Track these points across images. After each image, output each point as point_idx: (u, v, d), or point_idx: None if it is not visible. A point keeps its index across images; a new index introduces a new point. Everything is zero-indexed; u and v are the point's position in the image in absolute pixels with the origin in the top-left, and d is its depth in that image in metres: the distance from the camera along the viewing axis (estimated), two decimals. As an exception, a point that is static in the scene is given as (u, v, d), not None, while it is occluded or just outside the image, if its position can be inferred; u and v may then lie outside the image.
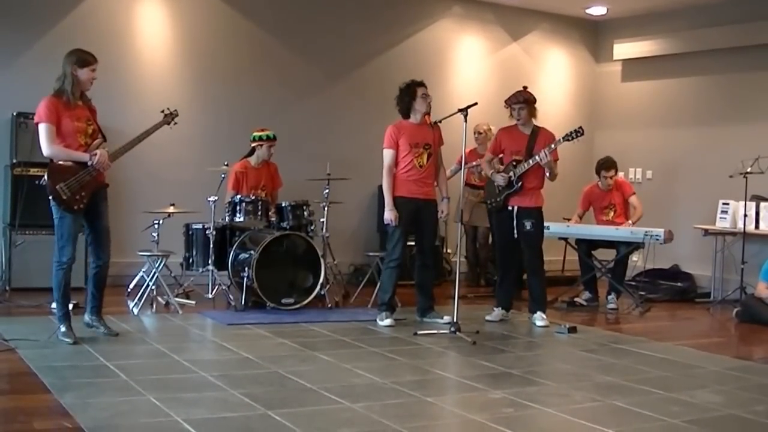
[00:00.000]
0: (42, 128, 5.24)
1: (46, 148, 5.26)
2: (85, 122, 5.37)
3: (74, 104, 5.32)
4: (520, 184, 6.63)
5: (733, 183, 8.06)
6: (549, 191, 6.96)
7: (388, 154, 6.53)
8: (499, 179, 6.70)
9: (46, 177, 5.29)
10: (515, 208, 6.67)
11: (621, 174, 8.48)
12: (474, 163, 8.21)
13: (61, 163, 5.30)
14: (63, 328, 5.36)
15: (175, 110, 6.08)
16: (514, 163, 6.67)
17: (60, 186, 5.23)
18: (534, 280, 6.77)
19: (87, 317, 5.61)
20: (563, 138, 6.60)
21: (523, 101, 6.65)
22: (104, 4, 7.99)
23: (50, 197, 5.27)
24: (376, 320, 6.46)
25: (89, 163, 5.30)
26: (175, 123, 6.09)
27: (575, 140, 6.62)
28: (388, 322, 6.42)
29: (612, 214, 8.06)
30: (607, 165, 8.02)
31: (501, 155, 6.85)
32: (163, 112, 6.03)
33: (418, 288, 6.72)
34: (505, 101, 6.76)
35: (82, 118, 5.36)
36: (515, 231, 6.65)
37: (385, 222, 6.53)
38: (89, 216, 5.43)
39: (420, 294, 6.69)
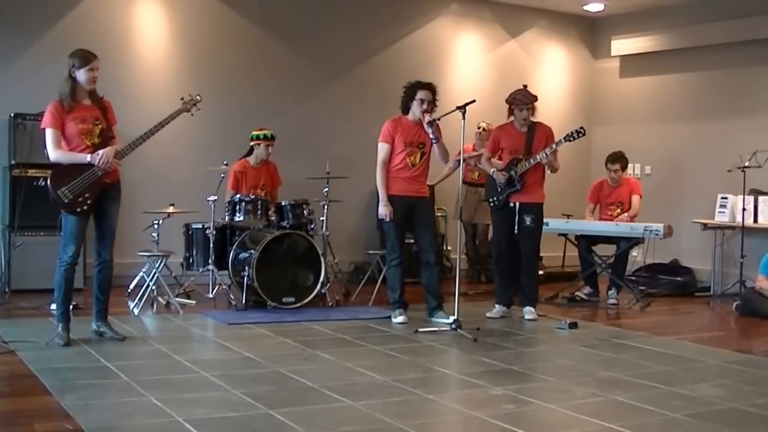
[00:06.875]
0: (47, 134, 5.27)
1: (50, 152, 5.29)
2: (92, 123, 5.33)
3: (76, 106, 5.29)
4: (522, 183, 6.64)
5: (732, 177, 8.08)
6: (547, 188, 6.95)
7: (383, 149, 6.51)
8: (501, 178, 6.69)
9: (48, 181, 5.28)
10: (517, 204, 6.68)
11: (630, 173, 8.42)
12: (473, 154, 8.17)
13: (64, 166, 5.29)
14: (59, 329, 5.34)
15: (198, 96, 5.81)
16: (515, 162, 6.67)
17: (61, 190, 5.22)
18: (527, 275, 6.77)
19: (93, 324, 5.57)
20: (564, 138, 6.59)
21: (530, 102, 6.62)
22: (103, 5, 7.99)
23: (53, 201, 5.26)
24: (390, 317, 6.48)
25: (93, 163, 5.28)
26: (198, 109, 5.83)
27: (578, 140, 6.62)
28: (401, 318, 6.44)
29: (618, 211, 8.03)
30: (612, 158, 8.01)
31: (499, 153, 6.84)
32: (182, 99, 5.81)
33: (424, 288, 6.68)
34: (512, 101, 6.68)
35: (88, 119, 5.32)
36: (516, 227, 6.65)
37: (380, 217, 6.54)
38: (96, 215, 5.43)
39: (426, 294, 6.65)
